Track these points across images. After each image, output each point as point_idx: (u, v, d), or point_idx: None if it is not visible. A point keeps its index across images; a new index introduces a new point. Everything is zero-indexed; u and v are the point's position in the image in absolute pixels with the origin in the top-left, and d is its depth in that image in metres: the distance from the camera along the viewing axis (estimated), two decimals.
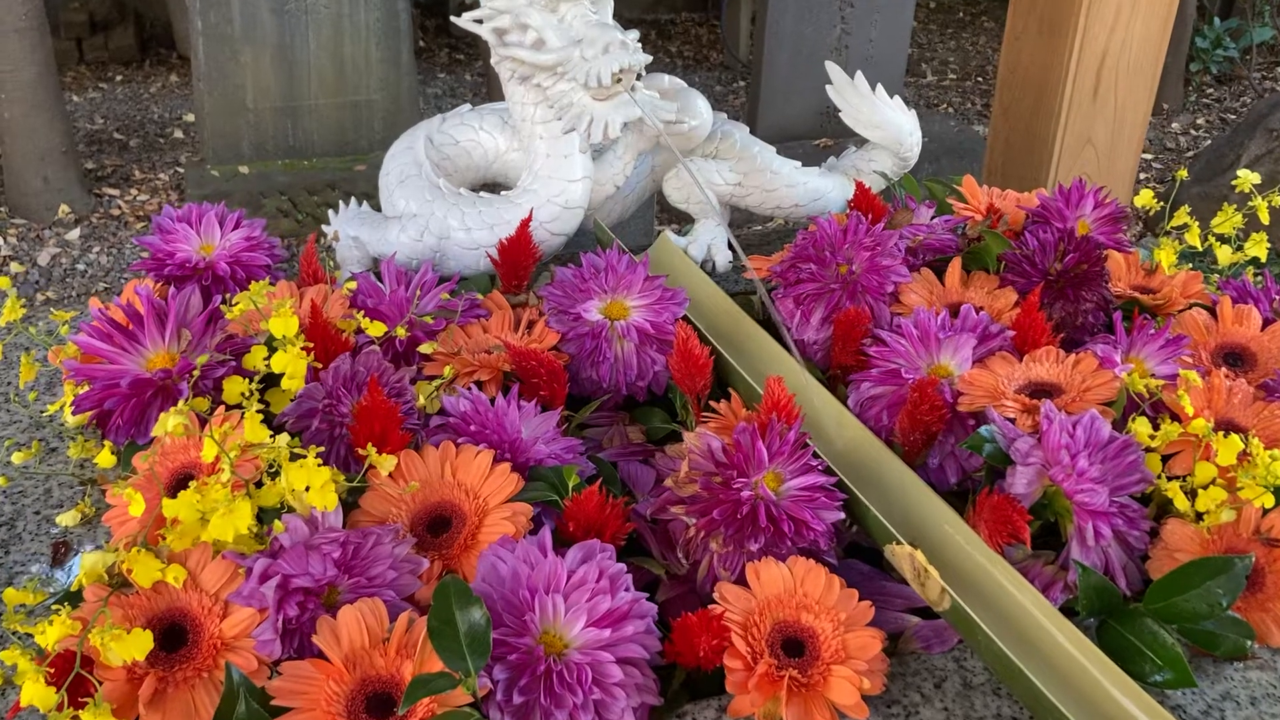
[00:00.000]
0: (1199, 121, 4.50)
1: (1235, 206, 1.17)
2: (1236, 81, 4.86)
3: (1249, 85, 4.83)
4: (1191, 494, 0.85)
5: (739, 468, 0.82)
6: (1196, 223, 1.13)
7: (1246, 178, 1.14)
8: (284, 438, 0.76)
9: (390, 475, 0.79)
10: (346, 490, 0.79)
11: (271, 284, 0.97)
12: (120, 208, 3.53)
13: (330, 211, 1.24)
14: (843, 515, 0.83)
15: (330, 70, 3.41)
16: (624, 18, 5.66)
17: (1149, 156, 4.21)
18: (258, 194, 3.36)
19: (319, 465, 0.72)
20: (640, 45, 1.10)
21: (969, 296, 1.07)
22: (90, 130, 4.05)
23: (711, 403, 0.97)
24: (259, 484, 0.76)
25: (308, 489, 0.72)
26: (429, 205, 1.15)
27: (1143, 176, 4.03)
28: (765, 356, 1.04)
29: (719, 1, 5.41)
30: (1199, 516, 0.84)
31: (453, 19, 1.16)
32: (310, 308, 0.91)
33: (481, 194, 1.18)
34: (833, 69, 1.31)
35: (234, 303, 0.90)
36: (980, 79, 4.96)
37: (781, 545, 0.80)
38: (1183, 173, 1.20)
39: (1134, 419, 0.88)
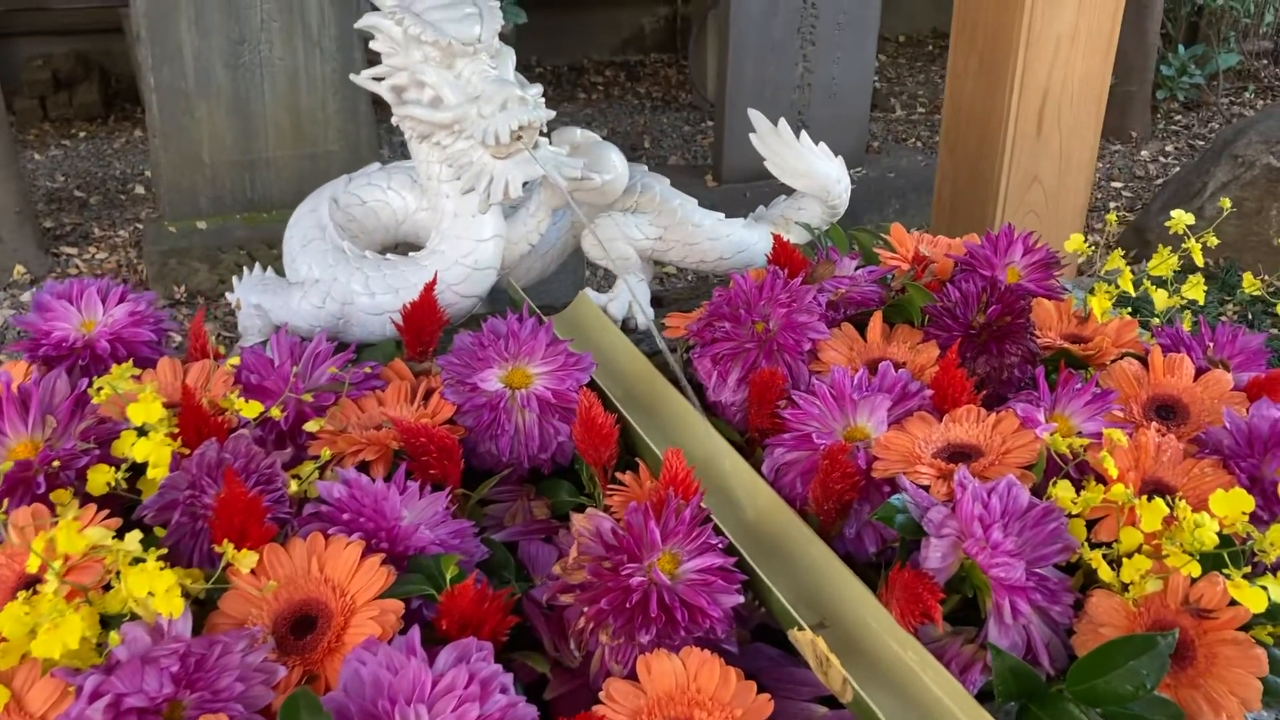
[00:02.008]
0: (1168, 148, 4.49)
1: (1170, 248, 1.13)
2: (1204, 108, 4.85)
3: (1217, 111, 4.83)
4: (1116, 563, 0.79)
5: (629, 551, 0.76)
6: (1129, 267, 1.09)
7: (1180, 218, 1.09)
8: (134, 536, 0.71)
9: (253, 572, 0.74)
10: (204, 591, 0.73)
11: (138, 365, 0.91)
12: (78, 267, 3.48)
13: (235, 278, 1.19)
14: (741, 599, 0.77)
15: (287, 123, 3.38)
16: (593, 60, 5.67)
17: (1119, 185, 4.19)
18: (216, 249, 3.32)
19: (161, 568, 0.67)
20: (543, 100, 1.06)
21: (891, 352, 1.02)
22: (50, 188, 4.01)
23: (618, 474, 0.91)
24: (107, 587, 0.71)
25: (151, 594, 0.67)
26: (332, 270, 1.10)
27: (1113, 205, 4.01)
28: (677, 421, 0.99)
29: (686, 43, 5.40)
30: (1125, 587, 0.78)
31: (351, 76, 1.12)
32: (181, 389, 0.85)
33: (388, 256, 1.13)
34: (755, 116, 1.27)
35: (99, 386, 0.84)
36: None
37: (675, 635, 0.74)
38: (1111, 217, 1.16)
39: (1055, 483, 0.83)
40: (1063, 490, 0.83)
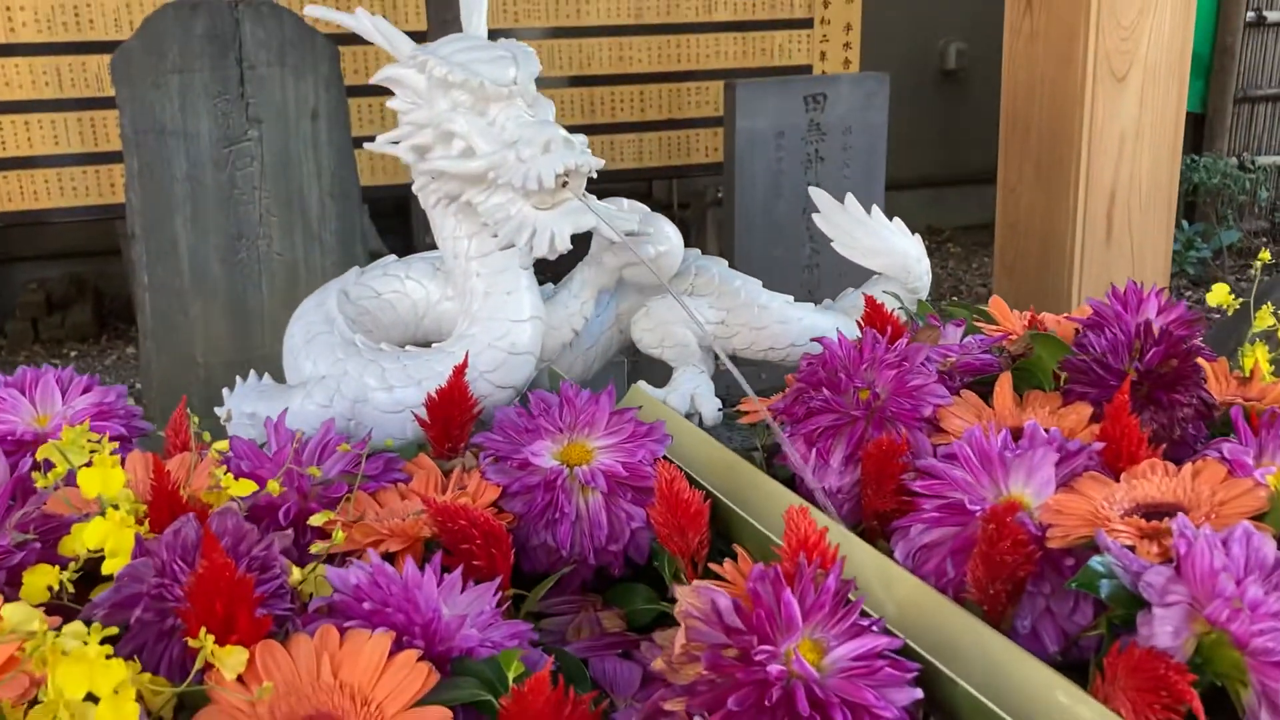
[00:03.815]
0: None
1: None
2: (1213, 282, 4.81)
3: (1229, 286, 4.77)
4: None
5: (760, 632, 0.56)
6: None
7: None
8: (75, 627, 0.51)
9: (240, 678, 0.53)
10: (174, 700, 0.52)
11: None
12: None
13: (225, 390, 1.01)
14: (919, 693, 0.56)
15: (286, 318, 3.22)
16: None
17: None
18: None
19: (108, 658, 0.46)
20: (589, 149, 0.91)
21: (1028, 418, 0.83)
22: None
23: (713, 565, 0.71)
24: (35, 702, 0.50)
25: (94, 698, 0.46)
26: (341, 363, 0.93)
27: None
28: (777, 508, 0.79)
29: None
30: None
31: (366, 145, 0.97)
32: (153, 465, 0.66)
33: (408, 348, 0.96)
34: (818, 195, 1.13)
35: (46, 458, 0.65)
36: (955, 296, 4.89)
37: None
38: (1265, 255, 1.00)
39: None
40: None
